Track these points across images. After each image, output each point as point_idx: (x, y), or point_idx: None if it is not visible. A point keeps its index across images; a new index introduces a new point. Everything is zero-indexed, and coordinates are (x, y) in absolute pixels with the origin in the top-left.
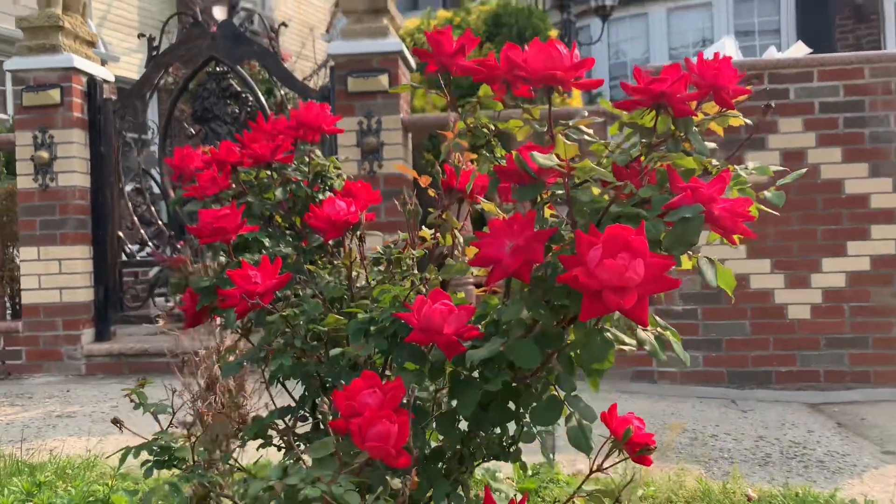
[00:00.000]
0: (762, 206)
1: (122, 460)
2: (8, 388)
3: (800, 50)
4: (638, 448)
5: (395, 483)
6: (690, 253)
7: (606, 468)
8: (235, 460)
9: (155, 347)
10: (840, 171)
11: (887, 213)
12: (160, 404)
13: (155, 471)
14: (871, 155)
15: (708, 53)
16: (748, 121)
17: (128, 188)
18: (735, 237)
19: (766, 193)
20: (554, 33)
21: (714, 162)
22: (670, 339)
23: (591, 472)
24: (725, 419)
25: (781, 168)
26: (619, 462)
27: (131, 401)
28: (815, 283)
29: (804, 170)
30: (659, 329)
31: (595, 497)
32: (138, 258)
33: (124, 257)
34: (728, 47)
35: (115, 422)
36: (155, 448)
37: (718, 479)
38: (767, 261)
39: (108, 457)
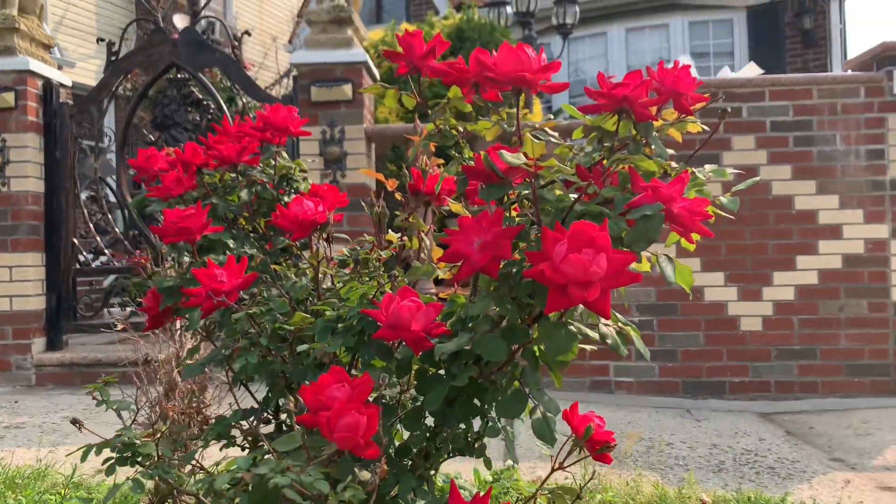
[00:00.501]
0: (720, 212)
1: (84, 458)
2: None
3: (752, 71)
4: (599, 446)
5: (364, 475)
6: (648, 255)
7: (567, 466)
8: (197, 461)
9: (109, 357)
10: (790, 187)
11: (834, 229)
12: (123, 401)
13: (118, 468)
14: (820, 173)
15: None
16: (705, 127)
17: (83, 196)
18: (691, 246)
19: (722, 199)
20: None
21: (673, 165)
22: (631, 334)
23: (553, 469)
24: (681, 428)
25: (737, 172)
26: (581, 460)
27: (94, 398)
28: (767, 296)
29: (757, 178)
30: (620, 324)
31: (557, 494)
32: (93, 266)
33: (78, 265)
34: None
35: (74, 422)
36: (117, 445)
37: (674, 485)
38: (721, 274)
39: (68, 455)
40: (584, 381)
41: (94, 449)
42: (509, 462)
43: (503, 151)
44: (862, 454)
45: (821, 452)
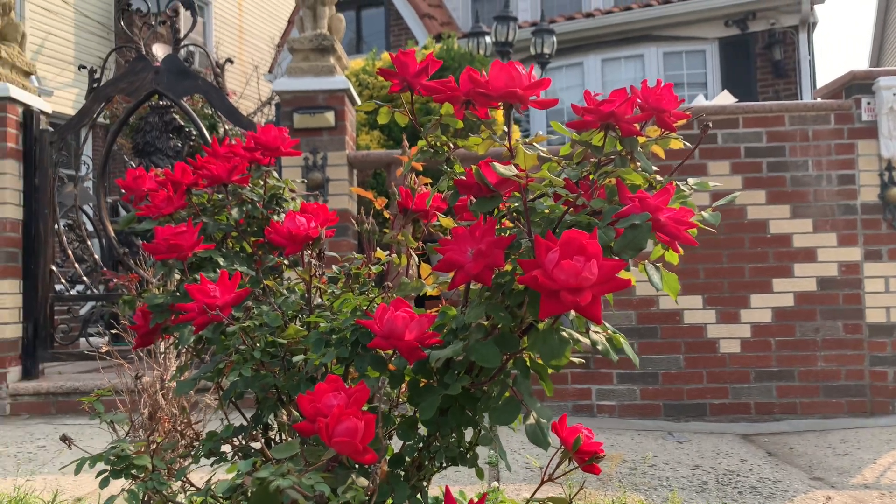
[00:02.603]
0: (700, 231)
1: (78, 470)
2: None
3: (726, 99)
4: (588, 457)
5: (361, 481)
6: (633, 266)
7: (557, 478)
8: (187, 479)
9: (87, 385)
10: (765, 211)
11: (808, 252)
12: (118, 414)
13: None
14: (793, 197)
15: None
16: (687, 144)
17: (61, 224)
18: (675, 258)
19: (704, 214)
20: None
21: (658, 178)
22: (621, 341)
23: (543, 481)
24: (663, 450)
25: (719, 186)
26: (570, 472)
27: (88, 409)
28: (745, 319)
29: (736, 193)
30: (609, 332)
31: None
32: (71, 294)
33: (55, 293)
34: None
35: (64, 439)
36: (111, 458)
37: None
38: (699, 297)
39: (61, 468)
40: (567, 404)
41: (89, 461)
42: (494, 484)
43: (495, 164)
44: (842, 473)
45: (801, 472)
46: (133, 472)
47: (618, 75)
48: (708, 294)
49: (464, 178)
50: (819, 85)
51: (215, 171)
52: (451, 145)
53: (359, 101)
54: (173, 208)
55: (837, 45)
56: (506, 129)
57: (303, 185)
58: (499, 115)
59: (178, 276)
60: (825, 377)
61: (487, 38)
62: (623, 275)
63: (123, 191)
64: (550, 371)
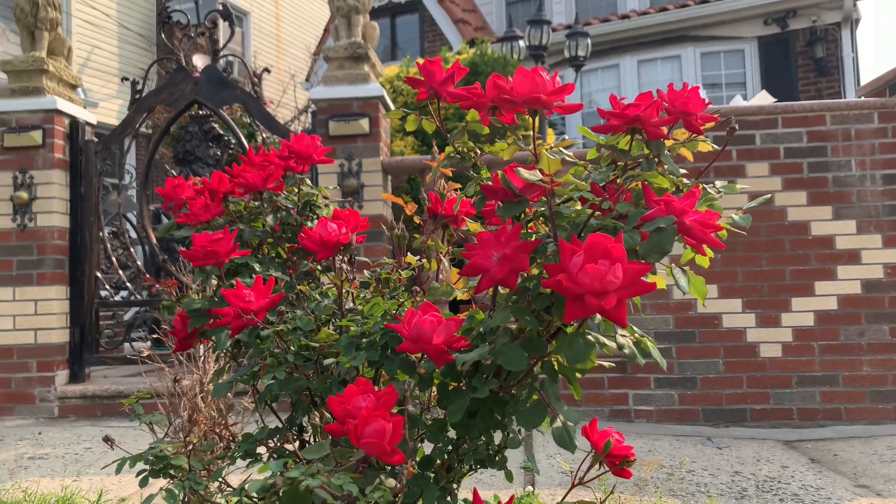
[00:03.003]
0: (736, 236)
1: (119, 469)
2: None
3: (765, 99)
4: (618, 461)
5: (389, 482)
6: (664, 272)
7: (588, 481)
8: (224, 480)
9: (130, 389)
10: (806, 213)
11: (852, 254)
12: (156, 415)
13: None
14: (835, 198)
15: None
16: (715, 146)
17: (105, 232)
18: (705, 261)
19: (734, 216)
20: None
21: (685, 181)
22: (648, 344)
23: (574, 484)
24: (701, 455)
25: (746, 188)
26: (600, 475)
27: (128, 411)
28: (786, 322)
29: (768, 195)
30: (636, 336)
31: None
32: (115, 300)
33: (100, 299)
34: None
35: (106, 440)
36: (150, 458)
37: None
38: (739, 300)
39: (104, 467)
40: (604, 409)
41: (129, 461)
42: (529, 488)
43: (519, 168)
44: (888, 480)
45: (846, 479)
46: (171, 472)
47: (654, 77)
48: (747, 297)
49: (490, 183)
50: (863, 83)
51: (251, 180)
52: (478, 151)
53: (393, 108)
54: (211, 216)
55: (881, 42)
56: (531, 134)
57: (338, 192)
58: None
59: (215, 282)
60: (871, 382)
61: (521, 42)
62: (651, 279)
63: (154, 207)
64: (580, 375)
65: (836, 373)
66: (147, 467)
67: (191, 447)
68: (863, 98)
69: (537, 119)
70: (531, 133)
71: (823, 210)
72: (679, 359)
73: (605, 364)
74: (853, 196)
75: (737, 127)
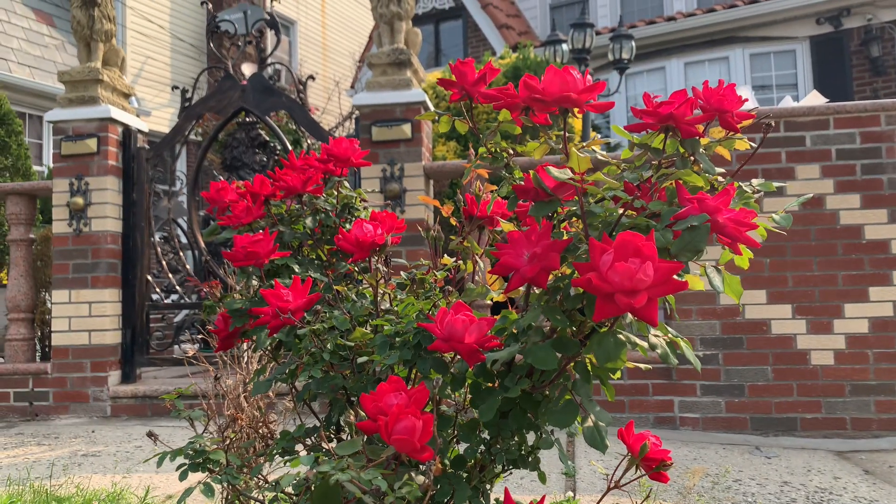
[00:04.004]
0: (784, 241)
1: (160, 463)
2: (35, 429)
3: (816, 99)
4: (655, 464)
5: (419, 479)
6: (698, 268)
7: (624, 485)
8: (262, 476)
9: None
10: (859, 216)
11: None
12: (196, 411)
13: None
14: (891, 201)
15: None
16: (753, 144)
17: (156, 237)
18: (745, 262)
19: (774, 216)
20: None
21: (720, 179)
22: (681, 344)
23: (609, 488)
24: (749, 465)
25: (784, 187)
26: (637, 478)
27: (169, 406)
28: (838, 329)
29: (810, 194)
30: (670, 336)
31: None
32: (165, 303)
33: (151, 301)
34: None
35: (150, 435)
36: (190, 452)
37: None
38: (788, 306)
39: (146, 461)
40: (649, 416)
41: (169, 455)
42: (570, 493)
43: (550, 167)
44: None
45: None
46: (209, 466)
47: (701, 79)
48: (797, 303)
49: (522, 183)
50: None
51: (291, 183)
52: (511, 151)
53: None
54: (252, 218)
55: None
56: (562, 133)
57: (378, 196)
58: (577, 122)
59: (256, 283)
60: None
61: (564, 46)
62: (687, 279)
63: (204, 213)
64: (614, 377)
65: (892, 382)
66: (186, 461)
67: (228, 442)
68: None
69: (568, 118)
70: (562, 132)
71: (878, 213)
72: (726, 365)
73: (641, 366)
74: None
75: (772, 124)
